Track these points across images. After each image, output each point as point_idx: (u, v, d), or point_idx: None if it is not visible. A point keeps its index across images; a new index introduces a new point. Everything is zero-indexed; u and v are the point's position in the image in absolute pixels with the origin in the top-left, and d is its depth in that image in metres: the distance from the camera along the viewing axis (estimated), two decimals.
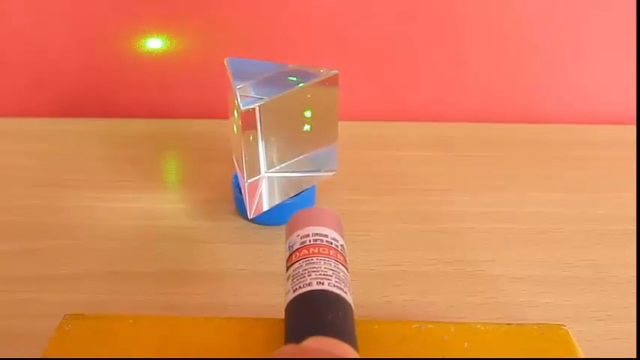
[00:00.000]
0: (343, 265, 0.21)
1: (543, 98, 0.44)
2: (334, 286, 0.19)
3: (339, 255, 0.21)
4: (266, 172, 0.30)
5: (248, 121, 0.27)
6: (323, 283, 0.19)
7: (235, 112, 0.28)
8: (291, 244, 0.22)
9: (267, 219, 0.32)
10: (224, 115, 0.32)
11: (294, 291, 0.20)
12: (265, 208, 0.31)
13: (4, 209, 0.34)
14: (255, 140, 0.28)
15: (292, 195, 0.32)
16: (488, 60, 0.42)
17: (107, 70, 0.43)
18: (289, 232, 0.22)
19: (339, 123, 0.31)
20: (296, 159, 0.30)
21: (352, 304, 0.20)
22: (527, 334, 0.21)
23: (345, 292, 0.20)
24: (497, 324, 0.21)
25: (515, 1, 0.39)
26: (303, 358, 0.17)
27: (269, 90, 0.28)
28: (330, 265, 0.20)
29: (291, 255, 0.21)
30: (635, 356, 0.26)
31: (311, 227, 0.22)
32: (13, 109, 0.44)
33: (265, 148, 0.29)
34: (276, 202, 0.31)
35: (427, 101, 0.44)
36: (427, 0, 0.39)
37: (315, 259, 0.20)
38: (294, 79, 0.28)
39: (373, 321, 0.21)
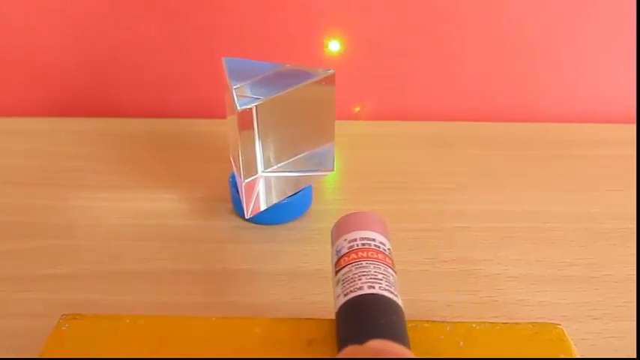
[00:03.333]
0: (392, 269, 0.21)
1: (542, 97, 0.44)
2: (385, 289, 0.20)
3: (387, 259, 0.21)
4: (263, 172, 0.30)
5: (245, 120, 0.27)
6: (374, 287, 0.20)
7: (232, 112, 0.28)
8: (338, 249, 0.22)
9: (265, 218, 0.32)
10: (222, 114, 0.32)
11: (345, 295, 0.20)
12: (262, 207, 0.31)
13: (2, 209, 0.34)
14: (252, 140, 0.28)
15: (289, 194, 0.32)
16: (486, 59, 0.42)
17: (106, 70, 0.43)
18: (336, 237, 0.22)
19: (336, 122, 0.31)
20: (293, 158, 0.31)
21: (403, 308, 0.20)
22: (523, 333, 0.21)
23: (396, 296, 0.20)
24: (493, 323, 0.21)
25: (513, 0, 0.39)
26: (367, 359, 0.17)
27: (266, 90, 0.28)
28: (380, 268, 0.20)
29: (339, 259, 0.21)
30: (633, 355, 0.26)
31: (358, 231, 0.22)
32: (12, 109, 0.44)
33: (262, 147, 0.29)
34: (274, 202, 0.31)
35: (424, 100, 0.44)
36: (426, 0, 0.40)
37: (364, 262, 0.21)
38: (291, 78, 0.28)
39: None
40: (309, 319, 0.21)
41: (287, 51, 0.42)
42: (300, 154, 0.31)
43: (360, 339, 0.18)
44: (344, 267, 0.21)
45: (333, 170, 0.32)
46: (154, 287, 0.29)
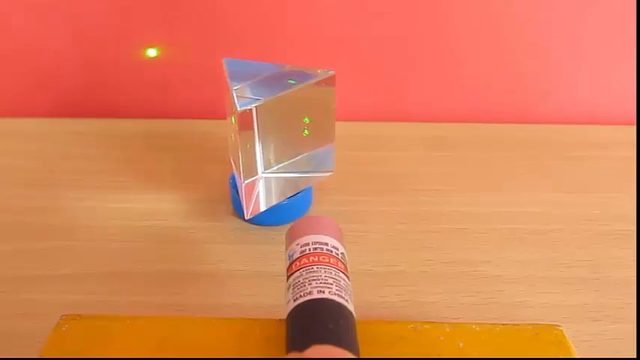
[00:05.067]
0: (344, 273, 0.21)
1: (541, 98, 0.44)
2: (335, 294, 0.20)
3: (339, 263, 0.21)
4: (263, 173, 0.30)
5: (245, 121, 0.27)
6: (324, 292, 0.19)
7: (232, 112, 0.28)
8: (291, 254, 0.22)
9: (264, 220, 0.32)
10: (222, 115, 0.32)
11: (294, 300, 0.20)
12: (262, 208, 0.31)
13: (1, 209, 0.34)
14: (252, 141, 0.28)
15: (289, 195, 0.32)
16: (485, 60, 0.42)
17: (106, 71, 0.43)
18: (289, 241, 0.22)
19: (337, 123, 0.31)
20: (293, 160, 0.31)
21: (354, 312, 0.20)
22: (522, 334, 0.21)
23: (347, 300, 0.20)
24: (492, 324, 0.21)
25: (513, 1, 0.40)
26: None
27: (266, 91, 0.28)
28: (331, 273, 0.20)
29: (291, 264, 0.21)
30: (633, 356, 0.26)
31: (311, 236, 0.22)
32: (13, 110, 0.44)
33: (262, 148, 0.29)
34: (274, 203, 0.31)
35: (424, 101, 0.44)
36: (424, 0, 0.40)
37: (315, 267, 0.20)
38: (292, 79, 0.28)
39: (369, 321, 0.21)
40: None
41: (287, 52, 0.42)
42: (300, 155, 0.31)
43: (305, 344, 0.18)
44: (295, 272, 0.21)
45: (333, 171, 0.32)
46: (154, 288, 0.29)
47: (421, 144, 0.40)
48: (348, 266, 0.22)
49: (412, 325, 0.21)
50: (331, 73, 0.28)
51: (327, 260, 0.21)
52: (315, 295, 0.19)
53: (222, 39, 0.41)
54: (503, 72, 0.43)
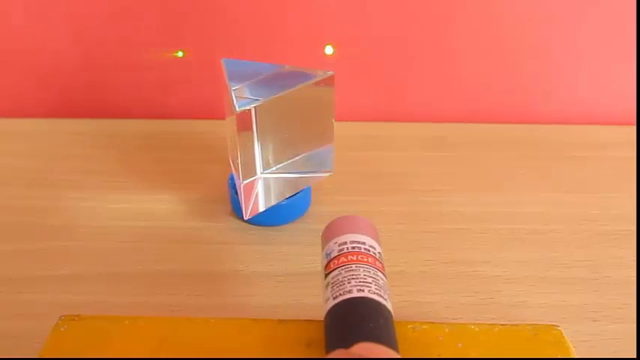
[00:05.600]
0: (382, 273, 0.21)
1: (541, 98, 0.44)
2: (374, 293, 0.20)
3: (377, 262, 0.21)
4: (262, 173, 0.30)
5: (244, 122, 0.27)
6: (363, 291, 0.20)
7: (231, 113, 0.28)
8: (328, 252, 0.22)
9: (263, 220, 0.32)
10: (221, 115, 0.32)
11: (334, 298, 0.20)
12: (261, 209, 0.31)
13: (1, 210, 0.34)
14: (251, 141, 0.28)
15: (288, 196, 0.32)
16: (484, 60, 0.42)
17: (105, 71, 0.43)
18: (326, 240, 0.22)
19: (337, 124, 0.31)
20: (292, 160, 0.31)
21: (392, 311, 0.20)
22: (521, 334, 0.21)
23: (385, 300, 0.20)
24: (491, 324, 0.21)
25: (513, 1, 0.40)
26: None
27: (265, 91, 0.28)
28: (369, 272, 0.20)
29: (329, 262, 0.21)
30: (632, 356, 0.26)
31: (348, 235, 0.22)
32: (12, 110, 0.44)
33: (261, 149, 0.29)
34: (272, 203, 0.31)
35: (423, 102, 0.44)
36: (424, 1, 0.40)
37: (354, 266, 0.20)
38: (290, 80, 0.28)
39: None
40: (309, 320, 0.21)
41: (286, 52, 0.42)
42: (299, 155, 0.31)
43: (348, 342, 0.18)
44: (333, 270, 0.21)
45: (332, 171, 0.32)
46: (152, 289, 0.29)
47: (421, 144, 0.40)
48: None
49: (411, 326, 0.21)
50: (330, 73, 0.28)
51: (366, 259, 0.21)
52: (355, 294, 0.19)
53: (221, 39, 0.41)
54: (503, 72, 0.43)
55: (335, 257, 0.21)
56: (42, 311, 0.27)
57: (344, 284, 0.20)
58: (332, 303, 0.20)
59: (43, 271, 0.30)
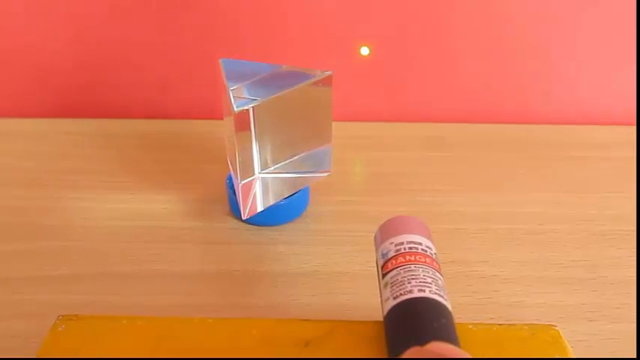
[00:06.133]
0: (439, 273, 0.21)
1: (540, 98, 0.44)
2: (435, 293, 0.20)
3: (434, 263, 0.21)
4: (260, 173, 0.30)
5: (242, 122, 0.27)
6: (424, 291, 0.20)
7: (229, 113, 0.28)
8: (385, 252, 0.22)
9: (262, 220, 0.32)
10: (219, 115, 0.32)
11: (394, 298, 0.20)
12: (259, 208, 0.31)
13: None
14: (249, 141, 0.28)
15: (286, 196, 0.32)
16: (485, 60, 0.42)
17: (102, 71, 0.43)
18: (382, 239, 0.22)
19: (335, 124, 0.31)
20: (290, 160, 0.31)
21: (451, 311, 0.20)
22: (519, 334, 0.21)
23: (446, 300, 0.20)
24: (489, 324, 0.21)
25: (513, 1, 0.40)
26: (431, 359, 0.17)
27: (263, 91, 0.28)
28: (428, 272, 0.20)
29: (386, 262, 0.21)
30: (629, 356, 0.26)
31: (404, 235, 0.22)
32: (11, 110, 0.44)
33: (259, 149, 0.29)
34: (271, 203, 0.31)
35: (421, 102, 0.44)
36: (423, 1, 0.40)
37: (412, 266, 0.20)
38: (288, 80, 0.28)
39: (368, 322, 0.21)
40: (307, 320, 0.21)
41: (284, 52, 0.42)
42: (297, 155, 0.31)
43: (419, 341, 0.18)
44: (392, 270, 0.21)
45: (330, 171, 0.32)
46: (150, 288, 0.29)
47: (418, 144, 0.40)
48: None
49: None
50: (328, 73, 0.28)
51: (424, 260, 0.21)
52: (416, 294, 0.19)
53: (220, 39, 0.41)
54: (503, 72, 0.43)
55: (392, 257, 0.21)
56: (40, 311, 0.28)
57: (404, 284, 0.20)
58: (393, 303, 0.20)
59: (42, 271, 0.30)
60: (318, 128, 0.30)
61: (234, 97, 0.28)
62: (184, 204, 0.34)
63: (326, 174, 0.32)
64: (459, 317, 0.27)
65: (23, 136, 0.41)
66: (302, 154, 0.31)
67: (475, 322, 0.21)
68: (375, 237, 0.23)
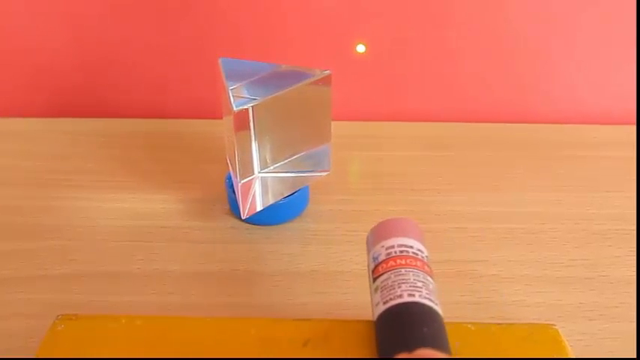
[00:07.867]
0: (431, 277, 0.21)
1: (539, 98, 0.44)
2: (425, 297, 0.20)
3: (425, 266, 0.21)
4: (259, 173, 0.30)
5: (241, 121, 0.27)
6: (414, 295, 0.19)
7: (229, 112, 0.28)
8: (375, 256, 0.21)
9: (261, 219, 0.32)
10: (218, 115, 0.32)
11: (384, 303, 0.20)
12: (259, 208, 0.31)
13: None
14: (249, 141, 0.28)
15: (286, 195, 0.32)
16: (484, 60, 0.42)
17: (101, 71, 0.43)
18: (373, 243, 0.22)
19: (335, 123, 0.31)
20: (289, 159, 0.31)
21: (442, 316, 0.20)
22: (517, 333, 0.21)
23: (436, 304, 0.20)
24: (488, 324, 0.21)
25: (512, 1, 0.39)
26: None
27: (262, 90, 0.28)
28: (419, 276, 0.20)
29: (377, 266, 0.21)
30: (628, 355, 0.26)
31: (395, 238, 0.21)
32: (9, 109, 0.44)
33: (258, 148, 0.29)
34: (270, 203, 0.31)
35: (421, 101, 0.44)
36: (423, 1, 0.40)
37: (403, 270, 0.20)
38: (288, 79, 0.28)
39: (367, 321, 0.21)
40: (306, 319, 0.21)
41: (284, 52, 0.42)
42: (296, 154, 0.31)
43: (408, 347, 0.18)
44: (382, 274, 0.21)
45: (329, 171, 0.32)
46: (150, 288, 0.29)
47: (417, 144, 0.40)
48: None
49: None
50: (327, 72, 0.28)
51: (414, 263, 0.21)
52: (406, 299, 0.19)
53: (219, 39, 0.41)
54: (503, 72, 0.43)
55: (383, 261, 0.21)
56: (39, 311, 0.28)
57: (394, 289, 0.20)
58: (382, 308, 0.20)
59: (41, 271, 0.30)
60: (318, 128, 0.30)
61: (233, 96, 0.28)
62: (184, 204, 0.34)
63: (325, 173, 0.32)
64: (458, 316, 0.27)
65: (22, 136, 0.41)
66: (301, 154, 0.31)
67: (474, 321, 0.21)
68: (367, 240, 0.23)
